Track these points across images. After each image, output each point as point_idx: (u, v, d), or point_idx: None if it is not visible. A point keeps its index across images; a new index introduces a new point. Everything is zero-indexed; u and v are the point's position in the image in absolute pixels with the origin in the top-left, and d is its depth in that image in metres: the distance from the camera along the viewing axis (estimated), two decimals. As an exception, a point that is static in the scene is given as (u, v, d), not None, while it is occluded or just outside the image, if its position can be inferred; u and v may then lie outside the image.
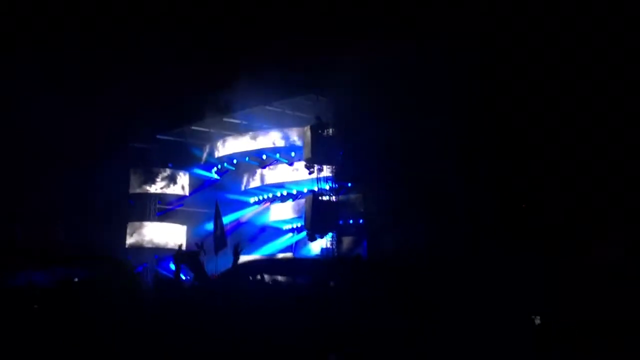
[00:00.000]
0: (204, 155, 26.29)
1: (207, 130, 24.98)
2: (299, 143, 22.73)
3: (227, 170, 26.59)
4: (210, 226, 22.94)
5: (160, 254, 24.87)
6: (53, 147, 20.74)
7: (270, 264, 18.92)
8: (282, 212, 25.92)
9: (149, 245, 25.37)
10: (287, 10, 16.65)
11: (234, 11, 16.48)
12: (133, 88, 19.91)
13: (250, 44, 17.65)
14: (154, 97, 20.74)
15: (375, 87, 17.22)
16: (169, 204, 26.74)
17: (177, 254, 19.38)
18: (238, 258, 18.60)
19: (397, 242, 16.41)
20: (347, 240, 21.48)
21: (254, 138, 24.57)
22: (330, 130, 20.39)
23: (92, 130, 21.65)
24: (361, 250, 21.32)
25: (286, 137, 24.07)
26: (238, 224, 26.60)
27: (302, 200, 22.81)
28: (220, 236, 21.30)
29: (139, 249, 25.10)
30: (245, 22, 16.75)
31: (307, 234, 20.74)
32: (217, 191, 26.37)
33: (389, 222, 17.28)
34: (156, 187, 26.00)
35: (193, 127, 24.70)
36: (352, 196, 21.32)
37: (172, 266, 22.38)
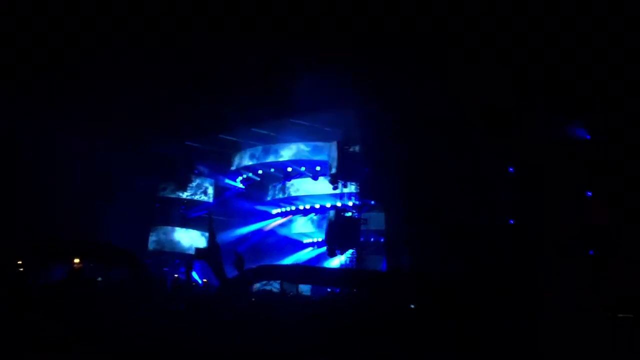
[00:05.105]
0: (231, 164, 26.51)
1: (235, 139, 25.16)
2: (324, 157, 22.80)
3: (252, 181, 26.79)
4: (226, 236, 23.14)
5: (181, 258, 25.06)
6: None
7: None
8: (304, 226, 26.01)
9: (171, 250, 25.62)
10: (320, 25, 16.64)
11: (262, 26, 16.52)
12: (163, 94, 20.04)
13: (281, 57, 17.72)
14: (184, 104, 20.86)
15: (405, 108, 17.17)
16: (193, 210, 26.96)
17: (196, 251, 19.16)
18: (242, 270, 18.62)
19: (412, 263, 16.35)
20: (367, 258, 21.47)
21: (280, 150, 24.76)
22: (357, 147, 20.41)
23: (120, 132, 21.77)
24: (380, 268, 21.29)
25: (312, 151, 24.18)
26: (260, 235, 26.74)
27: (325, 215, 22.86)
28: (214, 251, 20.63)
29: (160, 252, 25.35)
30: (275, 36, 16.78)
31: (327, 249, 20.73)
32: (241, 200, 26.56)
33: (406, 242, 17.23)
34: (181, 193, 26.28)
35: (221, 136, 24.90)
36: (375, 214, 21.31)
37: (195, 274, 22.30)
